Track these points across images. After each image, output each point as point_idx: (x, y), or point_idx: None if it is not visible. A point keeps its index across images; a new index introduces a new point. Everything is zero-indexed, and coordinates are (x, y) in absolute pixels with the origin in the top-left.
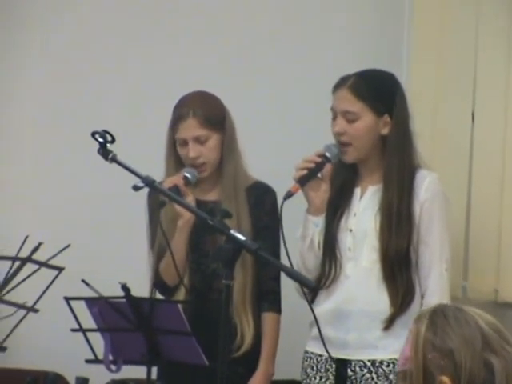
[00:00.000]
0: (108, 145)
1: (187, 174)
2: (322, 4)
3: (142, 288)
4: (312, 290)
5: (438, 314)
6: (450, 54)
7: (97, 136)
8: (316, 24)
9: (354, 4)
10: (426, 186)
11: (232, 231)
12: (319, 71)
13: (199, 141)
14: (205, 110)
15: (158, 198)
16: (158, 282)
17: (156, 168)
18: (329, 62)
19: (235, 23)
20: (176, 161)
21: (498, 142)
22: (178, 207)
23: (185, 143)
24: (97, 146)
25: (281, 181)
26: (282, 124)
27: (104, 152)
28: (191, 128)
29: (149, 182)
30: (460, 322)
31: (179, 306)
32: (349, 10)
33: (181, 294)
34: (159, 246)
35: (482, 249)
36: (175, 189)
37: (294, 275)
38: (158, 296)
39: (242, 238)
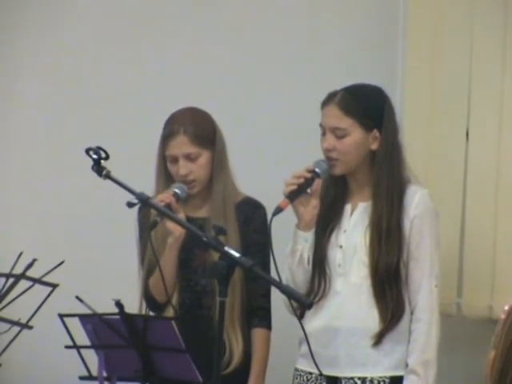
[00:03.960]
0: (102, 161)
1: (177, 190)
2: (315, 14)
3: (135, 305)
4: (307, 307)
5: None
6: (444, 71)
7: (91, 153)
8: (309, 34)
9: (347, 21)
10: (416, 201)
11: (226, 248)
12: (312, 85)
13: (190, 158)
14: (195, 127)
15: (149, 214)
16: (148, 299)
17: (146, 184)
18: (322, 76)
19: (225, 36)
20: (166, 177)
21: (492, 160)
22: (169, 224)
23: (175, 160)
24: (91, 162)
25: (271, 196)
26: (272, 139)
27: (98, 169)
28: (182, 145)
29: (143, 199)
30: None
31: (173, 322)
32: (342, 28)
33: (170, 311)
34: (149, 263)
35: (477, 265)
36: (167, 206)
37: (288, 292)
38: (150, 312)
39: (236, 254)
